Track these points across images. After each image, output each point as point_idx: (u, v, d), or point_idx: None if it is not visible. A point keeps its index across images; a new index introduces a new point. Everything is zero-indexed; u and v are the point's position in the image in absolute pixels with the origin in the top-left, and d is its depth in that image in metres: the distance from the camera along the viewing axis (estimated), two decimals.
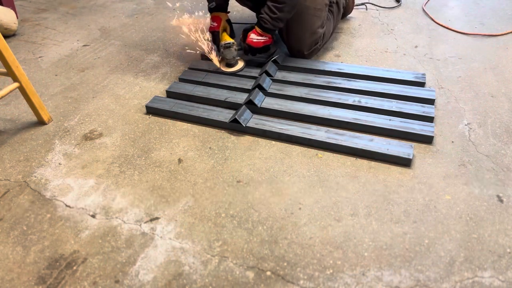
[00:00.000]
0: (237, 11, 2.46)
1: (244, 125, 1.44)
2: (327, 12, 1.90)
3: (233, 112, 1.51)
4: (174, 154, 1.39)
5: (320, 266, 1.01)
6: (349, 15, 2.30)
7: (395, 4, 2.44)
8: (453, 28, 2.12)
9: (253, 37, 1.70)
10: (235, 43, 1.74)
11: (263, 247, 1.06)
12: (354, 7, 2.35)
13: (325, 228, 1.11)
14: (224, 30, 1.84)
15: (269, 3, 1.63)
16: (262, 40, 1.70)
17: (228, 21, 1.86)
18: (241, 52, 1.77)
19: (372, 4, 2.43)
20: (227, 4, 1.86)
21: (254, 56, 1.77)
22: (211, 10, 1.83)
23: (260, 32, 1.69)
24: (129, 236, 1.11)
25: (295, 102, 1.56)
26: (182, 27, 1.81)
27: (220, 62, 1.78)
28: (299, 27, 1.77)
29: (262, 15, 1.67)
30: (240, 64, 1.77)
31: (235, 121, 1.45)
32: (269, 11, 1.64)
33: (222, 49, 1.73)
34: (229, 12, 1.88)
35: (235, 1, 2.04)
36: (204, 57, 1.83)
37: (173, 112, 1.56)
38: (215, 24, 1.81)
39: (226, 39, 1.78)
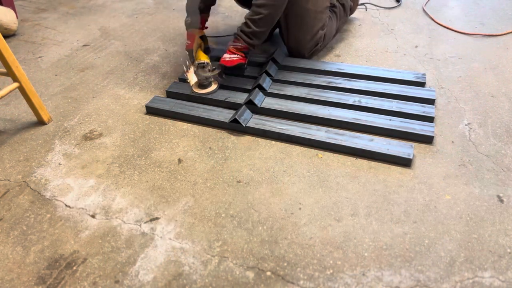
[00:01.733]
0: (236, 10, 2.46)
1: (244, 125, 1.44)
2: (330, 12, 1.89)
3: (233, 112, 1.51)
4: (174, 154, 1.39)
5: (320, 266, 1.01)
6: (350, 15, 2.30)
7: (395, 4, 2.44)
8: (453, 28, 2.12)
9: (226, 56, 1.65)
10: (210, 63, 1.67)
11: (263, 247, 1.06)
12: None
13: (325, 228, 1.10)
14: (199, 46, 1.77)
15: (247, 18, 1.61)
16: (235, 58, 1.64)
17: (203, 37, 1.78)
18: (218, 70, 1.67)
19: (372, 4, 2.43)
20: (205, 20, 1.80)
21: (227, 76, 1.71)
22: (186, 26, 1.78)
23: (233, 51, 1.65)
24: (129, 236, 1.11)
25: (295, 102, 1.56)
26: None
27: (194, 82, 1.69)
28: (300, 29, 1.76)
29: (236, 32, 1.64)
30: (214, 86, 1.66)
31: (235, 121, 1.44)
32: (245, 26, 1.62)
33: (195, 69, 1.66)
34: (206, 28, 1.81)
35: (235, 1, 2.04)
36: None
37: (173, 112, 1.56)
38: (189, 42, 1.76)
39: (201, 58, 1.70)
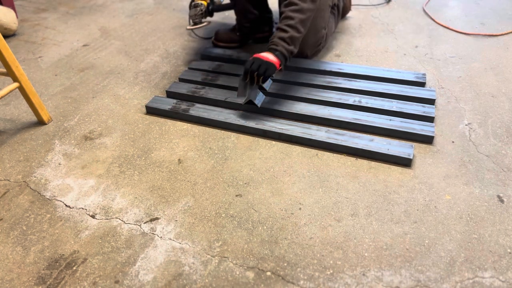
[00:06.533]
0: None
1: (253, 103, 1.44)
2: (330, 13, 1.89)
3: (233, 112, 1.51)
4: (174, 154, 1.39)
5: (320, 266, 1.01)
6: (348, 15, 2.30)
7: (383, 0, 2.46)
8: (453, 28, 2.12)
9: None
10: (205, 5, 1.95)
11: (263, 247, 1.06)
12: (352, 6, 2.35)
13: (325, 228, 1.10)
14: None
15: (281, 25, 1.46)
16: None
17: None
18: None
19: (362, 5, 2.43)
20: None
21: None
22: None
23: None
24: (129, 236, 1.11)
25: (295, 102, 1.56)
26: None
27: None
28: None
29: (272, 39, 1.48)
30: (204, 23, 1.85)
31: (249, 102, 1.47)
32: (281, 31, 1.45)
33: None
34: None
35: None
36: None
37: (173, 112, 1.56)
38: None
39: None
